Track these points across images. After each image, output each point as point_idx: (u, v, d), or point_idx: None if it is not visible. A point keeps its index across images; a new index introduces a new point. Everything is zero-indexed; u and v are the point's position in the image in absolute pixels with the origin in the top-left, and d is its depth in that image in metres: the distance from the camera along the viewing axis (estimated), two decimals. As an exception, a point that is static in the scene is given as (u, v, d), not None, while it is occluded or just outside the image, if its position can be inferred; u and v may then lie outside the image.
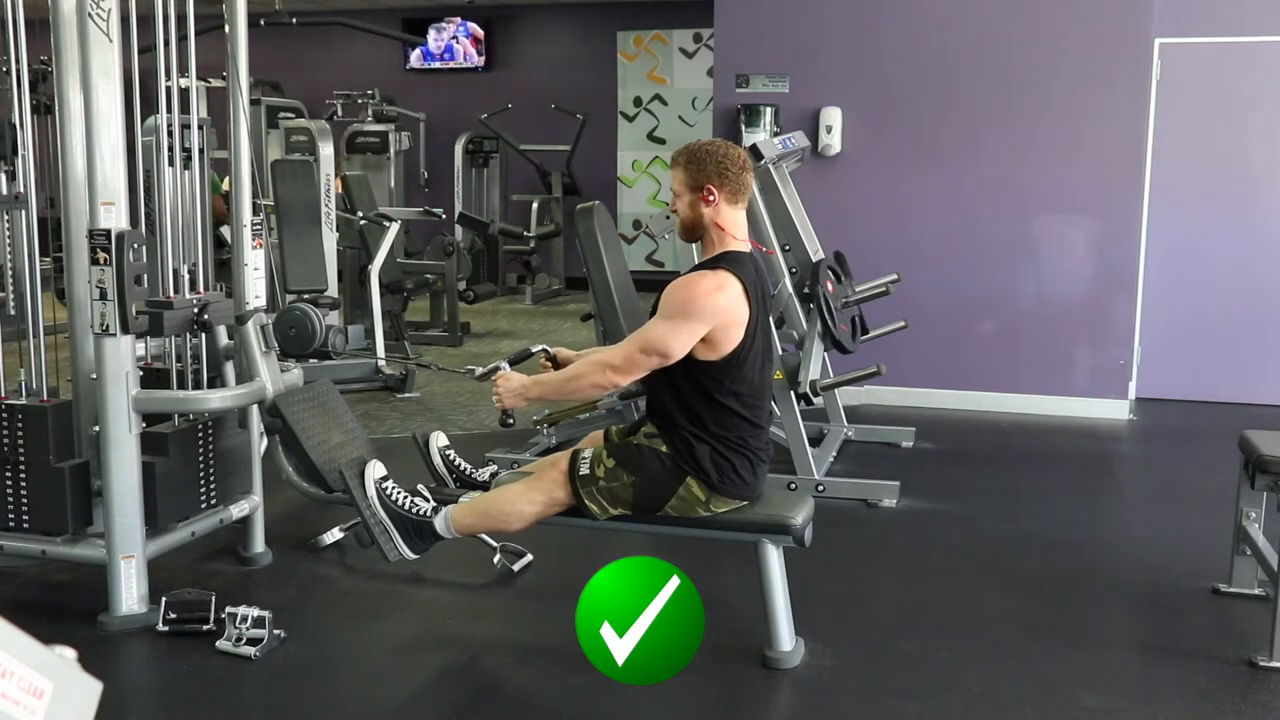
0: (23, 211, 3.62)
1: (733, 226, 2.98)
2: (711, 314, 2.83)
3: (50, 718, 1.16)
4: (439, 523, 3.06)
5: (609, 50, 11.34)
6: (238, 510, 3.70)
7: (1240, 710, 2.84)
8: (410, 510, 3.09)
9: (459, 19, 11.55)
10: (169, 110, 3.46)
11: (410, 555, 3.09)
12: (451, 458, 3.44)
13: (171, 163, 3.55)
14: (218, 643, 3.08)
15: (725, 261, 2.93)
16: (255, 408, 3.67)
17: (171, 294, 3.42)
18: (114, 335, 3.12)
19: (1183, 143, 6.12)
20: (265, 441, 3.90)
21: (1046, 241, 6.01)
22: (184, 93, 3.56)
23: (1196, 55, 6.07)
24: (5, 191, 3.75)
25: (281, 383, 3.57)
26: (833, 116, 6.10)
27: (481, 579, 3.69)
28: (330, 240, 6.71)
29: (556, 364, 3.22)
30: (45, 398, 3.41)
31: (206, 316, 3.42)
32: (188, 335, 3.76)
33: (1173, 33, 6.00)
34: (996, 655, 3.15)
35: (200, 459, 3.56)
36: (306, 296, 5.82)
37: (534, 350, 3.31)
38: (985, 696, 2.90)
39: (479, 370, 3.30)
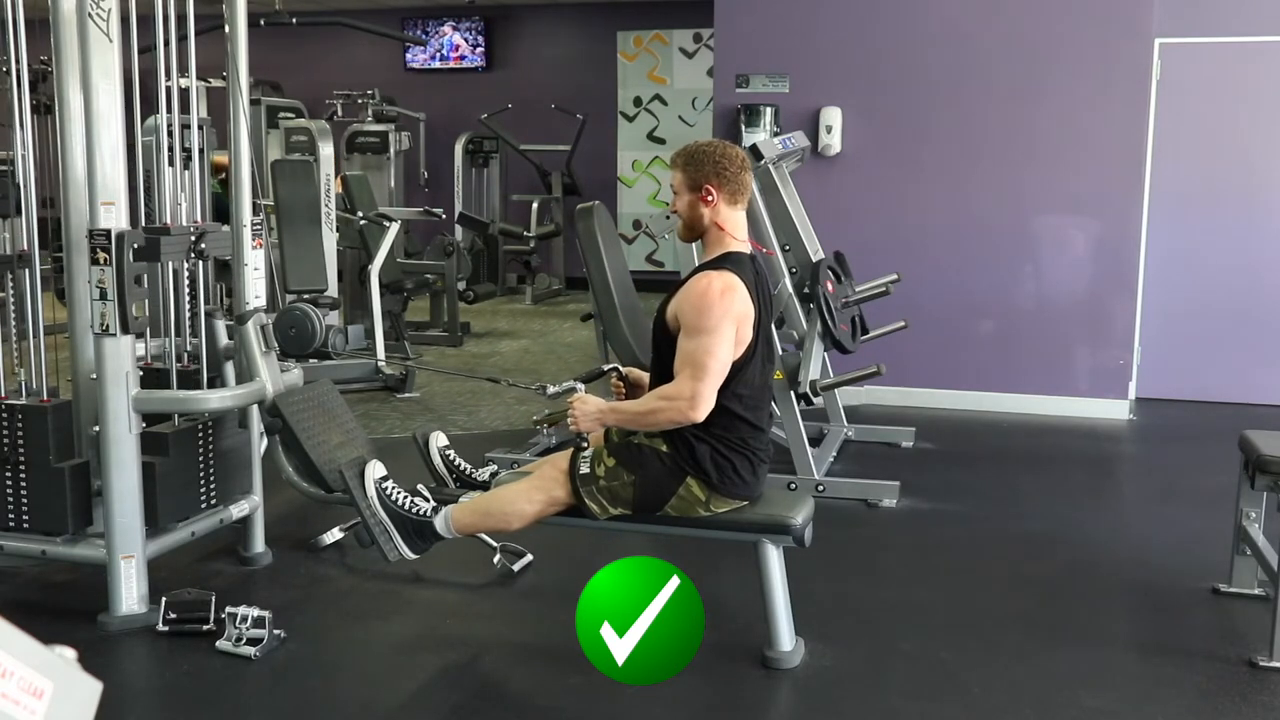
0: (25, 271, 3.60)
1: (733, 227, 2.98)
2: (732, 315, 2.84)
3: (50, 718, 1.16)
4: (439, 523, 3.06)
5: (609, 50, 11.34)
6: (238, 510, 3.70)
7: (1240, 710, 2.84)
8: (410, 510, 3.09)
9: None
10: (169, 110, 3.46)
11: (410, 555, 3.09)
12: (451, 458, 3.44)
13: (171, 163, 3.55)
14: (218, 643, 3.08)
15: (728, 262, 2.93)
16: (255, 408, 3.66)
17: (168, 220, 3.40)
18: (114, 335, 3.12)
19: (1183, 143, 6.12)
20: (265, 441, 3.90)
21: (1046, 241, 6.01)
22: (184, 93, 3.56)
23: (1196, 55, 6.07)
24: (9, 250, 3.72)
25: (281, 383, 3.57)
26: (833, 116, 6.10)
27: (481, 579, 3.69)
28: (330, 240, 6.71)
29: (628, 383, 3.21)
30: (45, 398, 3.41)
31: (203, 246, 3.40)
32: (187, 335, 3.76)
33: (1173, 33, 6.00)
34: (996, 655, 3.15)
35: (200, 459, 3.56)
36: (306, 296, 5.82)
37: (605, 369, 3.29)
38: (985, 696, 2.91)
39: (551, 388, 3.23)
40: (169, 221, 3.43)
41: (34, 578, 3.61)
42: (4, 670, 1.12)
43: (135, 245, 3.11)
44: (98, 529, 3.35)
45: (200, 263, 3.60)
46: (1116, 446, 5.58)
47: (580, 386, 3.08)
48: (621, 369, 3.24)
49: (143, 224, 3.82)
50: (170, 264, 3.57)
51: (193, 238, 3.39)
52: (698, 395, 2.81)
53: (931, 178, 6.09)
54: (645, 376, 3.18)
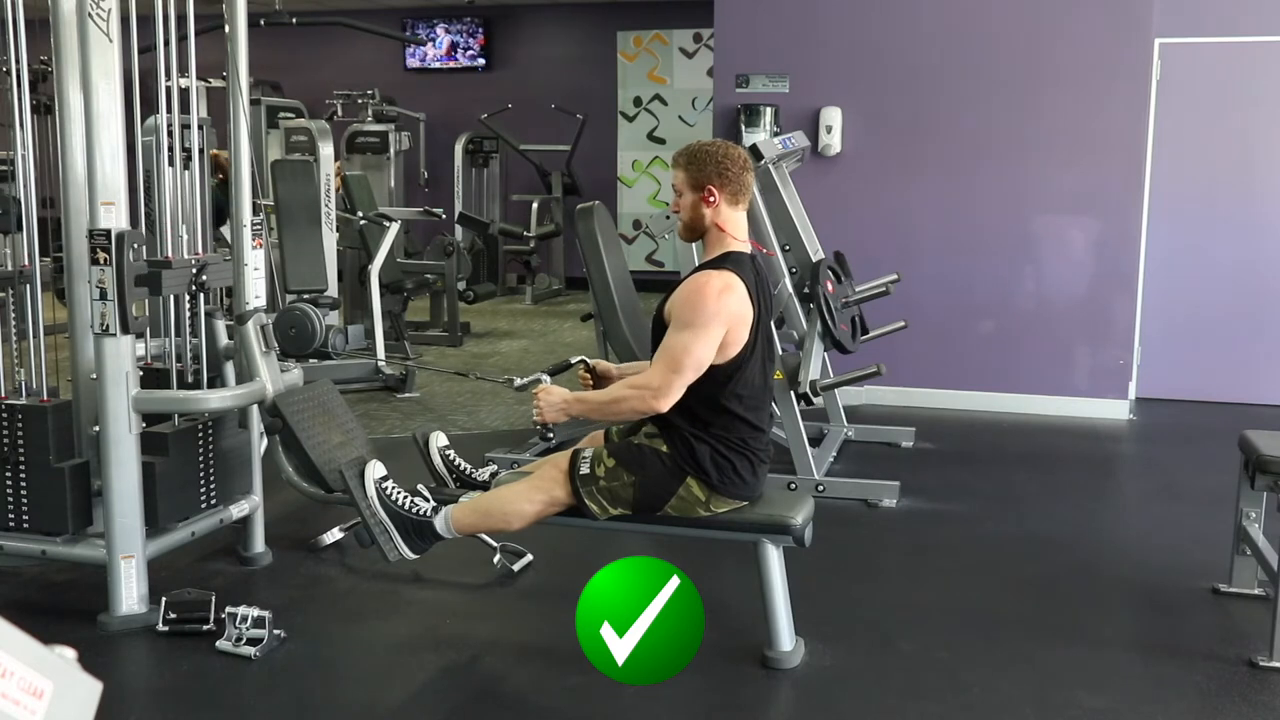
0: (26, 287, 3.59)
1: (734, 227, 2.99)
2: (725, 316, 2.84)
3: (50, 718, 1.16)
4: (439, 522, 3.06)
5: (609, 50, 11.34)
6: (238, 510, 3.70)
7: (1240, 710, 2.84)
8: (410, 510, 3.09)
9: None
10: (169, 110, 3.46)
11: (410, 555, 3.09)
12: (451, 458, 3.44)
13: (171, 163, 3.55)
14: (218, 643, 3.08)
15: (728, 262, 2.94)
16: (255, 408, 3.66)
17: (170, 254, 3.41)
18: (114, 335, 3.12)
19: (1183, 143, 6.12)
20: (265, 441, 3.89)
21: (1046, 241, 6.01)
22: (184, 93, 3.56)
23: (1196, 55, 6.07)
24: (10, 266, 3.70)
25: (281, 383, 3.57)
26: (833, 116, 6.10)
27: (481, 579, 3.69)
28: (330, 240, 6.71)
29: (595, 375, 3.22)
30: (45, 398, 3.41)
31: (205, 278, 3.41)
32: (187, 335, 3.76)
33: (1173, 33, 6.00)
34: (996, 655, 3.15)
35: (200, 459, 3.56)
36: (306, 296, 5.82)
37: (573, 361, 3.30)
38: (985, 696, 2.91)
39: (518, 380, 3.31)
40: (170, 254, 3.40)
41: (34, 578, 3.61)
42: (4, 670, 1.12)
43: (135, 245, 3.11)
44: (98, 529, 3.35)
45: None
46: (1116, 446, 5.58)
47: (546, 378, 3.13)
48: (589, 361, 3.26)
49: (143, 225, 3.83)
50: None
51: (194, 270, 3.39)
52: (665, 387, 2.84)
53: (931, 178, 6.09)
54: (613, 369, 3.24)
